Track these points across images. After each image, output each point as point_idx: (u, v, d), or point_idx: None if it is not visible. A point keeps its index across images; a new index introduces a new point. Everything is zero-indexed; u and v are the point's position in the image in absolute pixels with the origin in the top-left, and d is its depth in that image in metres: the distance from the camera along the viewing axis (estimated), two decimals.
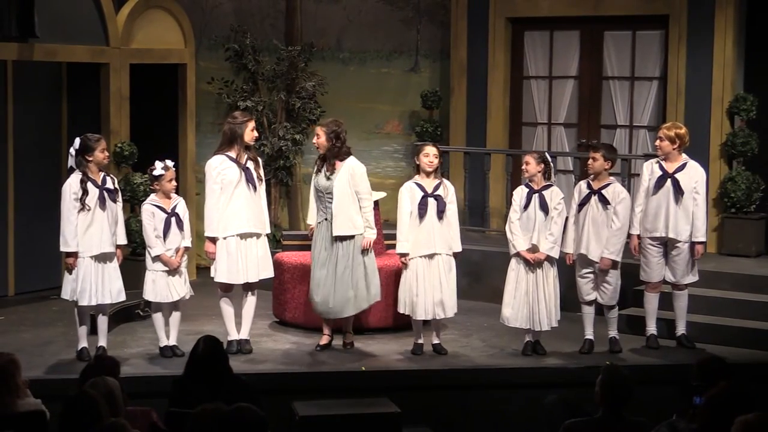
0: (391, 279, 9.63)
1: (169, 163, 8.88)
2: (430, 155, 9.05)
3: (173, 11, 11.84)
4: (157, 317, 8.91)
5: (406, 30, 12.92)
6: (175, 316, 8.95)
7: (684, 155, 9.29)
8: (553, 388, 8.34)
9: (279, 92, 12.60)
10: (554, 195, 9.01)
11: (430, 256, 9.01)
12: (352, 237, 9.03)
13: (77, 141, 8.66)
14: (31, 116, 11.26)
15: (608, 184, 9.04)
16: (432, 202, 8.98)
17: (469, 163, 11.70)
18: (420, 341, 9.18)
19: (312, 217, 9.28)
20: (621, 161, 11.00)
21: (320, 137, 9.08)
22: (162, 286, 8.80)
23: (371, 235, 9.09)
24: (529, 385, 8.53)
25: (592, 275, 9.10)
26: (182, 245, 8.89)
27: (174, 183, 8.89)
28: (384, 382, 8.49)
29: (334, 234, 9.00)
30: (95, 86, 11.29)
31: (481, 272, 11.05)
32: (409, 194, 9.06)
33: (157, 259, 8.79)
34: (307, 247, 9.42)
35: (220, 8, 12.89)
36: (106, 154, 8.74)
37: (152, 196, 8.91)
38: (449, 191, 9.08)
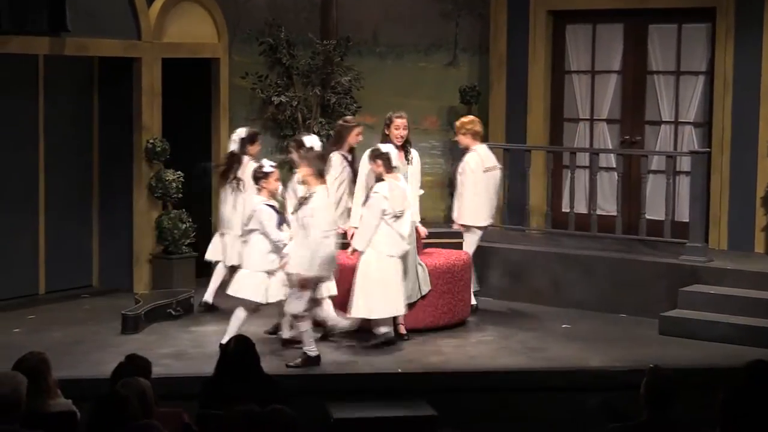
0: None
1: (273, 163, 9.17)
2: None
3: (206, 4, 11.88)
4: (240, 316, 8.93)
5: (444, 23, 12.89)
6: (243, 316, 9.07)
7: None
8: (595, 391, 8.32)
9: (314, 87, 12.61)
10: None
11: None
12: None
13: (245, 130, 10.07)
14: (62, 111, 11.33)
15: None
16: None
17: (509, 160, 11.65)
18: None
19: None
20: (666, 159, 10.97)
21: (407, 128, 9.60)
22: (264, 287, 8.89)
23: (419, 223, 9.63)
24: (570, 389, 8.50)
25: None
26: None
27: (280, 183, 9.12)
28: (421, 384, 8.48)
29: (412, 220, 9.42)
30: (127, 81, 11.35)
31: (521, 272, 11.03)
32: None
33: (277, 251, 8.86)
34: (344, 246, 9.45)
35: (253, 1, 12.90)
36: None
37: (260, 196, 9.03)
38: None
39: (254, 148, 10.33)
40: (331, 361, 8.95)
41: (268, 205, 8.93)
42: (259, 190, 9.00)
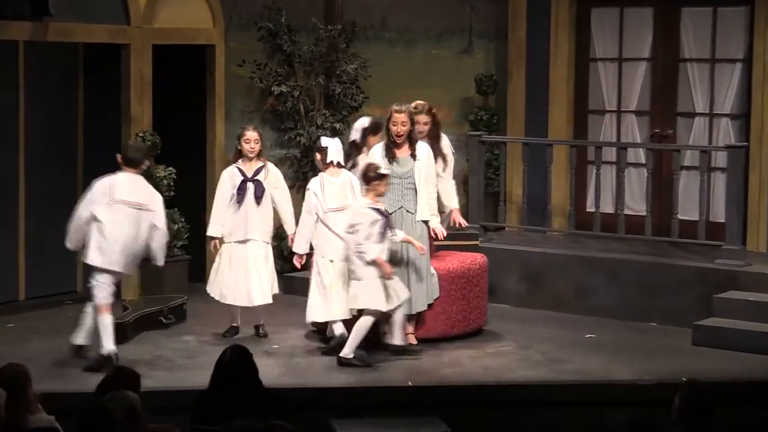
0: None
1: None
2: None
3: None
4: (365, 324, 9.06)
5: (458, 7, 12.90)
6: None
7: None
8: (621, 406, 8.31)
9: (317, 76, 12.62)
10: None
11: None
12: (426, 223, 9.55)
13: (368, 119, 10.07)
14: (44, 102, 11.35)
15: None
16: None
17: (529, 155, 11.65)
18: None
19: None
20: (700, 154, 10.95)
21: (406, 124, 9.52)
22: (381, 292, 9.00)
23: (438, 223, 9.60)
24: (595, 403, 8.49)
25: None
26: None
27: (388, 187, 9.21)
28: (433, 398, 8.48)
29: (421, 218, 9.49)
30: (115, 69, 11.37)
31: (541, 277, 11.02)
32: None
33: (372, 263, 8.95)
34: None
35: None
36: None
37: (366, 198, 9.09)
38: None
39: (375, 140, 9.92)
40: (335, 373, 8.96)
41: (373, 208, 9.00)
42: (368, 191, 9.07)
